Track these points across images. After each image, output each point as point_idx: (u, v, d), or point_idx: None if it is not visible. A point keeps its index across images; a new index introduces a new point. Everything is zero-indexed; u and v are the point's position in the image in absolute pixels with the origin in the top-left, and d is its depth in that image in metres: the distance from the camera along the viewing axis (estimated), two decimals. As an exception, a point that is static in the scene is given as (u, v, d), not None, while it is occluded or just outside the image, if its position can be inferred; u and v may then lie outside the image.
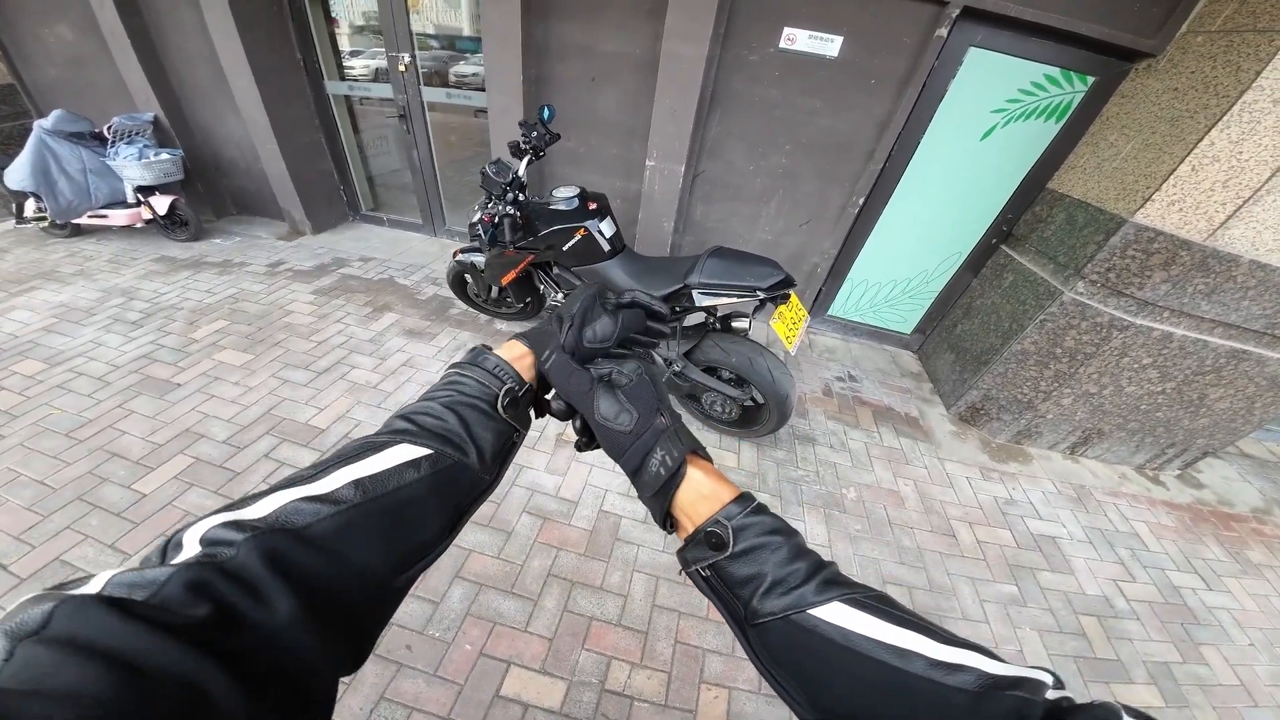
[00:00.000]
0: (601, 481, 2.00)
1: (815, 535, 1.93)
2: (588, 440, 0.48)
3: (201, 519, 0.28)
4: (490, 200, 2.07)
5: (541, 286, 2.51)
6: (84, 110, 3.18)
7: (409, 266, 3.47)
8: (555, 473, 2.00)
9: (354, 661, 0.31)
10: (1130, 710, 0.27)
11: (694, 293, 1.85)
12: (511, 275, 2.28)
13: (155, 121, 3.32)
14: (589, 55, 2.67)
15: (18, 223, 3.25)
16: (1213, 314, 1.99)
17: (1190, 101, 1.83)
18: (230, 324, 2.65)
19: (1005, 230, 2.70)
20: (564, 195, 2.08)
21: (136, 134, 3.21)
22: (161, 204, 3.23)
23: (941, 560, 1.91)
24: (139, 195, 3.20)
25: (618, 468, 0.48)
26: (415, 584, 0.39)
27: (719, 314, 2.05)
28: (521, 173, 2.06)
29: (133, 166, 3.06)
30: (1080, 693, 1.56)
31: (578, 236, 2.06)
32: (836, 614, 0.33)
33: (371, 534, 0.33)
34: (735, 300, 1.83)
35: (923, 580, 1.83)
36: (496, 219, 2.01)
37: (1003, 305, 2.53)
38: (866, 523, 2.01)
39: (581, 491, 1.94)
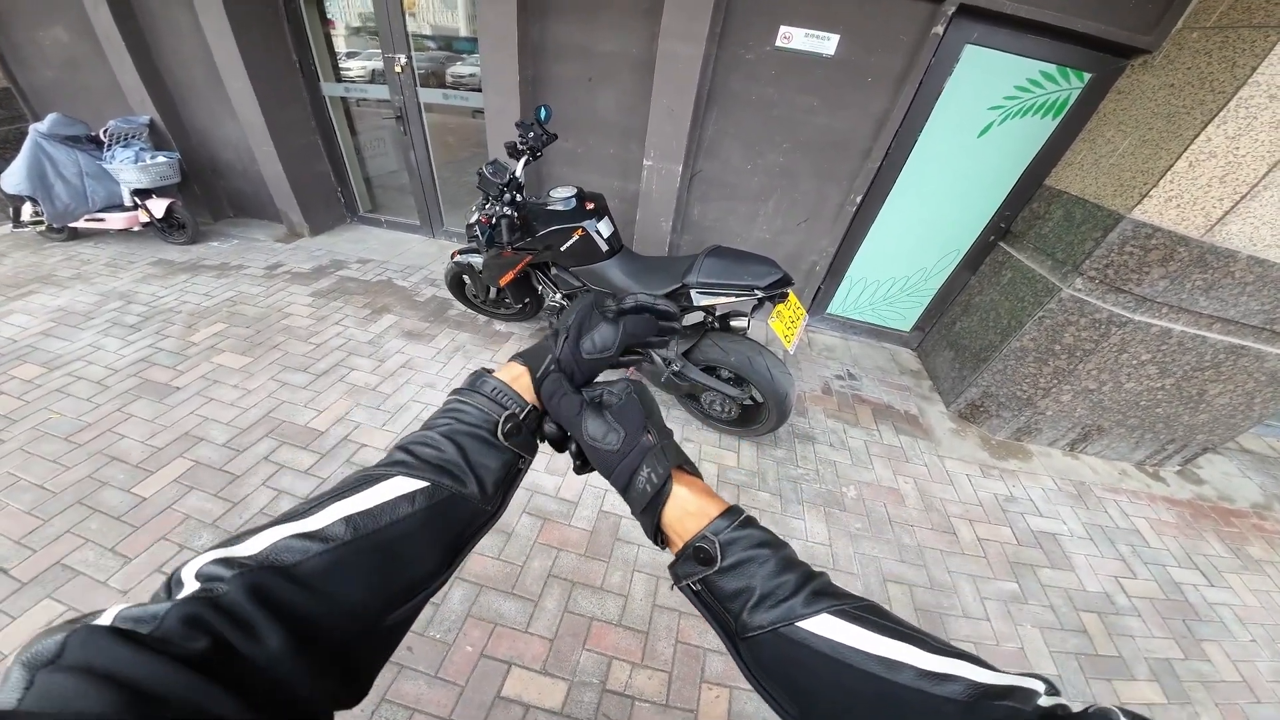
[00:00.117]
0: (601, 482, 1.98)
1: (815, 534, 1.93)
2: (583, 463, 0.48)
3: (198, 555, 0.29)
4: (488, 201, 2.07)
5: (540, 287, 2.51)
6: (80, 113, 3.17)
7: (407, 268, 3.47)
8: (555, 473, 2.00)
9: (352, 696, 0.31)
10: (1128, 713, 0.26)
11: (692, 292, 1.85)
12: (509, 276, 2.28)
13: (151, 124, 3.31)
14: (586, 55, 2.66)
15: (14, 227, 3.24)
16: (1211, 309, 1.99)
17: (1186, 97, 1.83)
18: (229, 327, 2.65)
19: (1003, 227, 2.70)
20: (561, 195, 2.07)
21: (132, 137, 3.20)
22: (158, 207, 3.22)
23: (942, 558, 1.91)
24: (136, 198, 3.19)
25: None
26: (418, 618, 0.38)
27: (717, 313, 2.05)
28: (519, 173, 2.06)
29: (129, 169, 3.05)
30: (1082, 690, 1.56)
31: (575, 237, 2.06)
32: (825, 626, 0.33)
33: (362, 571, 0.32)
34: (733, 299, 1.83)
35: (923, 578, 1.83)
36: (494, 220, 2.00)
37: (1001, 302, 2.53)
38: (867, 521, 2.01)
39: (581, 492, 1.94)
